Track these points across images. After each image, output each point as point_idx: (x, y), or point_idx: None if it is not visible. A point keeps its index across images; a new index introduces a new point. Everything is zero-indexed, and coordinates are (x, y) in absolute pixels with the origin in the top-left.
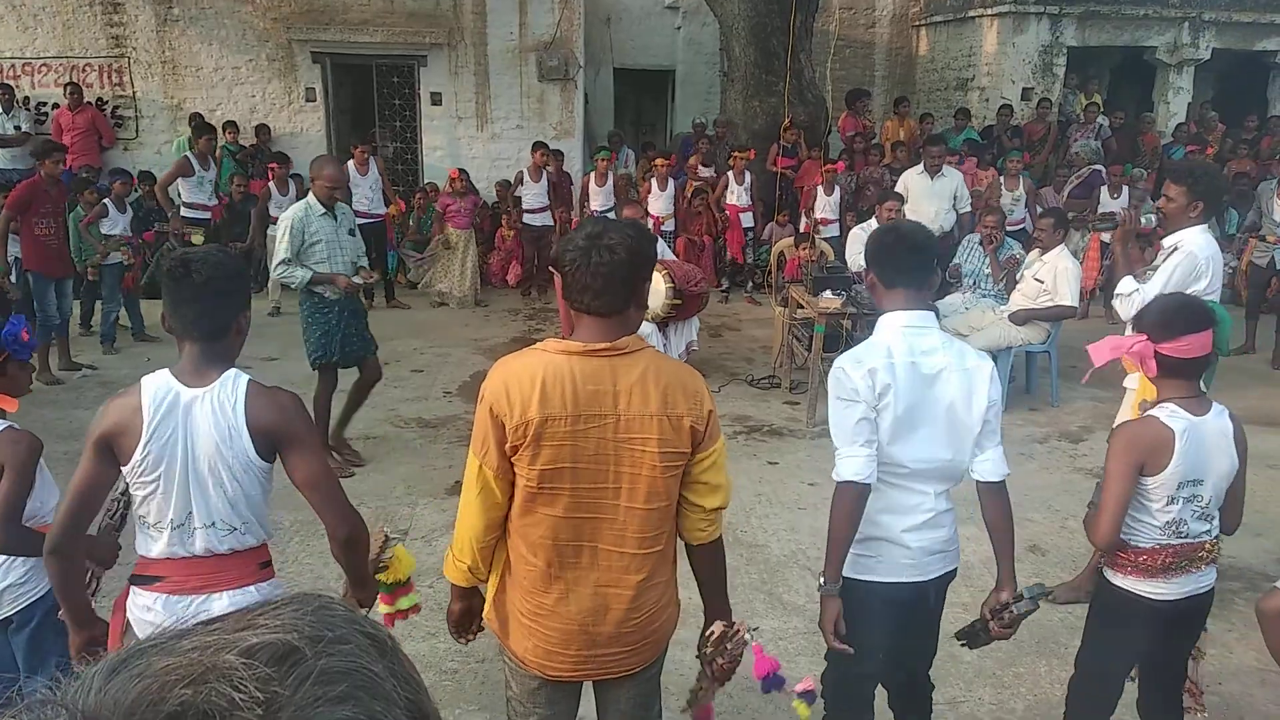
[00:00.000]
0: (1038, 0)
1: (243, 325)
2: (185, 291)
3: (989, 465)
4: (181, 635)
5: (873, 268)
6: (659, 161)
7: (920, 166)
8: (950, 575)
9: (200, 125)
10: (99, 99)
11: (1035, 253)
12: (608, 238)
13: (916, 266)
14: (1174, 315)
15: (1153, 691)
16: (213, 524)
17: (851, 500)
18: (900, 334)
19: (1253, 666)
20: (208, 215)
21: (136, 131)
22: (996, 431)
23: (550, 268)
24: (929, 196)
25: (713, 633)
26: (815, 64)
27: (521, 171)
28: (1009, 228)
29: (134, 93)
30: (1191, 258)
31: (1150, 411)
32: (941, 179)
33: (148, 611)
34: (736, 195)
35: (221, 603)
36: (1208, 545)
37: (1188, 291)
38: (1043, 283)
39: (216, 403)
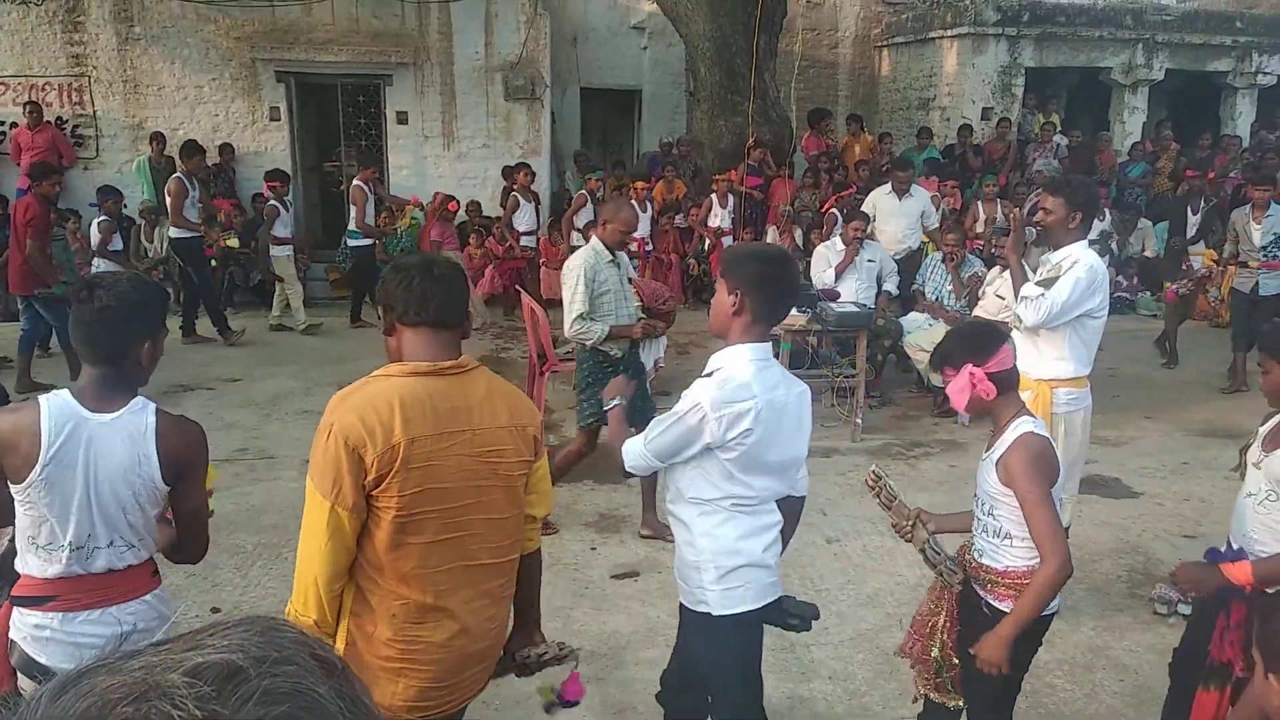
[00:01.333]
0: (996, 22)
1: (144, 355)
2: (84, 315)
3: (802, 481)
4: (131, 655)
5: (752, 295)
6: (637, 185)
7: (888, 186)
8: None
9: (190, 147)
10: (59, 118)
11: (996, 269)
12: (441, 260)
13: (788, 306)
14: (981, 336)
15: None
16: (111, 543)
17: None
18: (753, 369)
19: None
20: (199, 234)
21: (97, 151)
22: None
23: (377, 303)
24: (896, 216)
25: (545, 653)
26: (780, 84)
27: (515, 196)
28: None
29: (94, 111)
30: (1092, 271)
31: (1023, 431)
32: (909, 199)
33: (42, 630)
34: (720, 218)
35: (124, 611)
36: None
37: (1085, 306)
38: (1004, 299)
39: (127, 430)
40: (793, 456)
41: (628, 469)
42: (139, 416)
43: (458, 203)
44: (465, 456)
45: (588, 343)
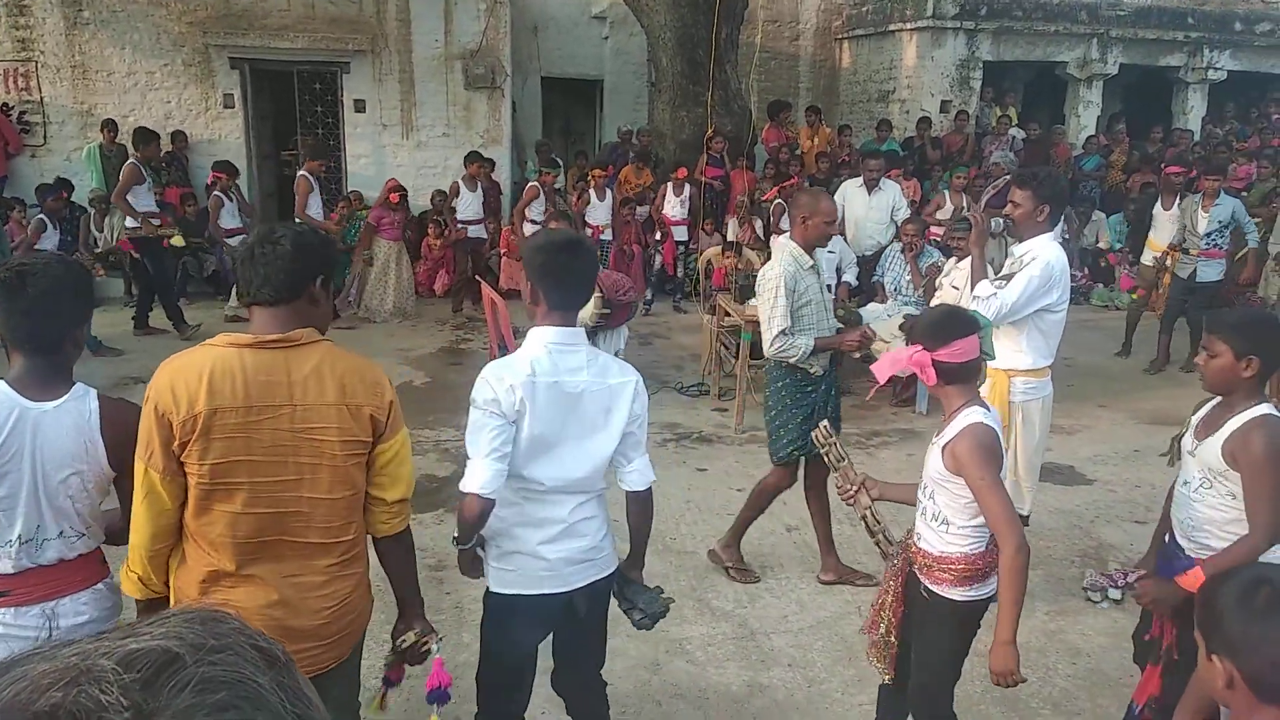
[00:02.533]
0: (955, 16)
1: (79, 338)
2: (19, 304)
3: (635, 475)
4: (67, 644)
5: (542, 284)
6: (595, 172)
7: (858, 179)
8: (602, 583)
9: (144, 133)
10: (4, 104)
11: (953, 260)
12: (277, 233)
13: (582, 293)
14: (944, 323)
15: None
16: (62, 533)
17: (476, 511)
18: (547, 351)
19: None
20: (156, 223)
21: (45, 138)
22: (641, 443)
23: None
24: (868, 209)
25: (404, 642)
26: (740, 75)
27: (457, 182)
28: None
29: (41, 98)
30: (1048, 268)
31: (972, 420)
32: (880, 192)
33: None
34: (672, 207)
35: (78, 602)
36: None
37: (1041, 302)
38: (959, 289)
39: (71, 417)
40: (589, 445)
41: (472, 493)
42: (82, 403)
43: (399, 195)
44: (282, 431)
45: (791, 359)
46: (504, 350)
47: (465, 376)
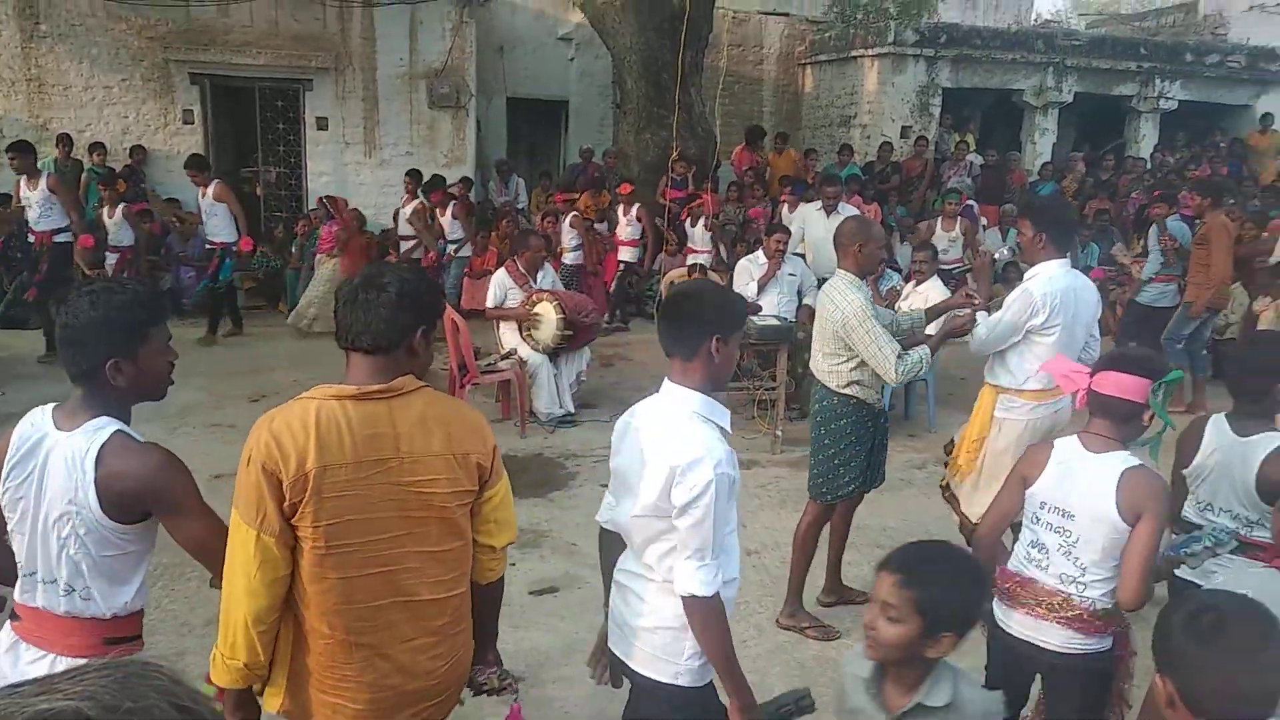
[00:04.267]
0: (915, 43)
1: (114, 372)
2: (58, 329)
3: (676, 574)
4: None
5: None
6: (558, 197)
7: (817, 203)
8: (644, 681)
9: (13, 144)
10: None
11: (910, 285)
12: (384, 278)
13: (673, 339)
14: (1119, 358)
15: None
16: (53, 581)
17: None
18: (657, 397)
19: None
20: (31, 239)
21: None
22: (689, 545)
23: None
24: (826, 233)
25: (486, 683)
26: (705, 99)
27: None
28: (945, 266)
29: None
30: (1026, 294)
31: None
32: (838, 216)
33: None
34: (620, 228)
35: (59, 666)
36: (1060, 599)
37: (1025, 327)
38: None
39: (70, 451)
40: (630, 507)
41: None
42: (88, 437)
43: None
44: (392, 485)
45: (920, 372)
46: (464, 371)
47: None
